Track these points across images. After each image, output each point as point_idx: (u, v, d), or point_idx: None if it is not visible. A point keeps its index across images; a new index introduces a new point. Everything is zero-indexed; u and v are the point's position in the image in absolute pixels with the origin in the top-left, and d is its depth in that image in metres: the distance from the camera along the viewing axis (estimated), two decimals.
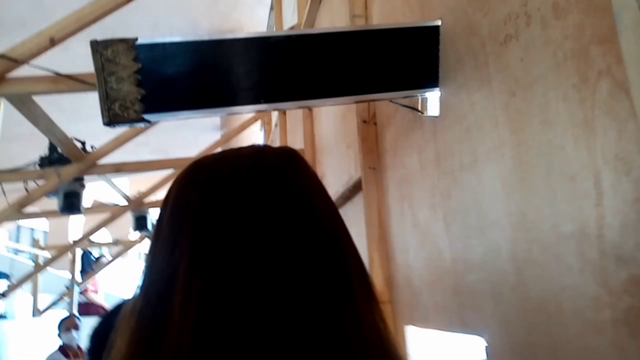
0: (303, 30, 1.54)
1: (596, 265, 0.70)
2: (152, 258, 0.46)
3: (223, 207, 0.45)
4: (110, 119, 1.01)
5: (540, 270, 0.83)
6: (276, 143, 4.43)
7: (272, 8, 4.70)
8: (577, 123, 0.72)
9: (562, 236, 0.77)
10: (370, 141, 1.70)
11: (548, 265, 0.81)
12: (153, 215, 5.45)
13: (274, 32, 1.15)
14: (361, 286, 0.47)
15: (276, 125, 4.46)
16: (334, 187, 2.31)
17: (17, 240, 11.65)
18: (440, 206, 1.21)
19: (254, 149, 0.52)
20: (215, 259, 0.42)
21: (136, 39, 1.03)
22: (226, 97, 1.15)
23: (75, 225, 11.57)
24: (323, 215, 0.48)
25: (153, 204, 4.42)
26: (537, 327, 0.85)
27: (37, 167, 2.63)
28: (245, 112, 1.23)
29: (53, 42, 1.59)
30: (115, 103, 1.01)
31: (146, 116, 1.04)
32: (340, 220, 0.50)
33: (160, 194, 4.66)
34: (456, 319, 1.14)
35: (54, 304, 7.64)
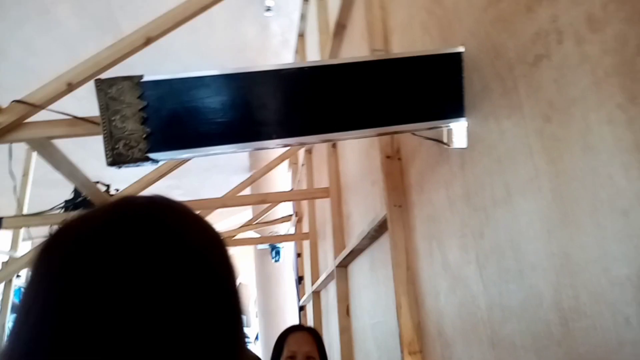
0: (316, 62, 1.48)
1: None
2: (13, 325, 0.41)
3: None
4: (115, 159, 0.97)
5: (591, 322, 0.71)
6: (302, 182, 4.38)
7: (297, 51, 4.76)
8: (627, 147, 0.62)
9: (615, 281, 0.66)
10: (395, 177, 1.61)
11: (600, 316, 0.69)
12: None
13: (286, 64, 1.11)
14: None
15: (303, 164, 4.42)
16: (360, 226, 2.21)
17: None
18: (472, 246, 1.10)
19: (104, 218, 0.43)
20: None
21: (142, 77, 0.99)
22: (239, 134, 1.09)
23: None
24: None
25: None
26: None
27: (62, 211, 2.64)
28: (260, 148, 1.17)
29: (70, 87, 1.59)
30: (120, 142, 0.96)
31: (151, 155, 0.98)
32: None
33: None
34: None
35: None
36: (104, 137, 0.97)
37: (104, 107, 0.97)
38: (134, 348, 0.36)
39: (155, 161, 1.01)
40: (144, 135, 0.97)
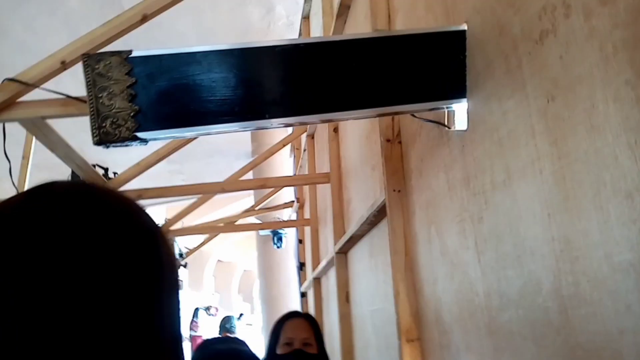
0: (312, 39, 1.44)
1: None
2: None
3: None
4: (101, 138, 0.93)
5: (591, 309, 0.68)
6: (304, 168, 4.35)
7: (300, 33, 4.69)
8: (633, 127, 0.59)
9: (617, 268, 0.63)
10: (395, 161, 1.57)
11: (601, 304, 0.66)
12: (180, 244, 5.50)
13: (282, 40, 1.07)
14: None
15: (305, 150, 4.38)
16: (359, 211, 2.18)
17: None
18: (470, 231, 1.07)
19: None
20: None
21: (130, 52, 0.96)
22: (233, 113, 1.05)
23: None
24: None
25: (179, 232, 4.38)
26: None
27: None
28: (256, 127, 1.14)
29: (65, 65, 1.55)
30: (107, 120, 0.93)
31: (140, 134, 0.95)
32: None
33: (187, 222, 4.62)
34: None
35: None
36: (91, 115, 0.94)
37: (90, 83, 0.94)
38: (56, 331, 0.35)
39: (144, 141, 0.98)
40: (132, 114, 0.94)
